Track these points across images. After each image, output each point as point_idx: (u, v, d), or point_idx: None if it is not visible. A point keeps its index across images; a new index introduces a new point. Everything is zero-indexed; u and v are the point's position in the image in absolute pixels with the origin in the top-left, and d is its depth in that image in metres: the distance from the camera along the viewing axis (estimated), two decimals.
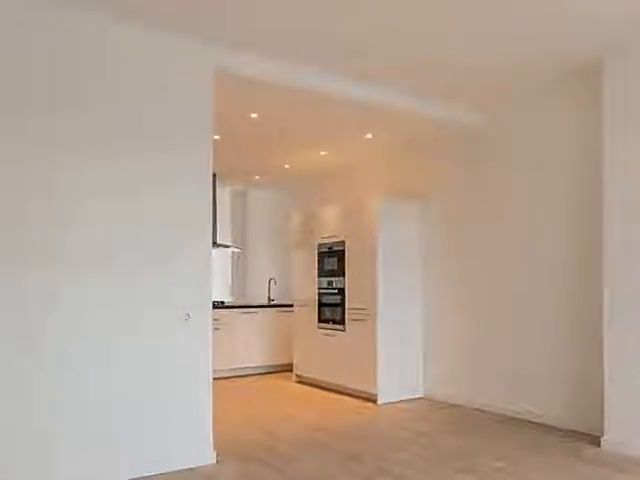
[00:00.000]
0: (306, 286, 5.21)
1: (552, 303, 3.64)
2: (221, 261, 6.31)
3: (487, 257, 4.11)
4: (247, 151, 4.96)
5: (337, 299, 4.79)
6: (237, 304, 5.98)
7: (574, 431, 3.43)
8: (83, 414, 2.45)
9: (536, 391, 3.71)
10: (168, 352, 2.71)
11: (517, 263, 3.88)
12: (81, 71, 2.53)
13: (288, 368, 5.66)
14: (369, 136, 4.51)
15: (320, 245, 5.03)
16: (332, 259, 4.87)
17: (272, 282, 6.46)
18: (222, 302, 5.89)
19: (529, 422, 3.69)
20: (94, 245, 2.51)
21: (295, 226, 5.45)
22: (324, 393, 4.76)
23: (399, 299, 4.46)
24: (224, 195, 6.30)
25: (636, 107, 2.99)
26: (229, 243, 6.29)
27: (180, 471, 2.68)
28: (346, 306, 4.67)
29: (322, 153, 5.07)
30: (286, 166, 5.55)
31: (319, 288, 5.03)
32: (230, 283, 6.53)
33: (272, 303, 6.23)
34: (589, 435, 3.30)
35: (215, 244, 5.36)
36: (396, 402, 4.33)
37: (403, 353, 4.46)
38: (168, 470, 2.65)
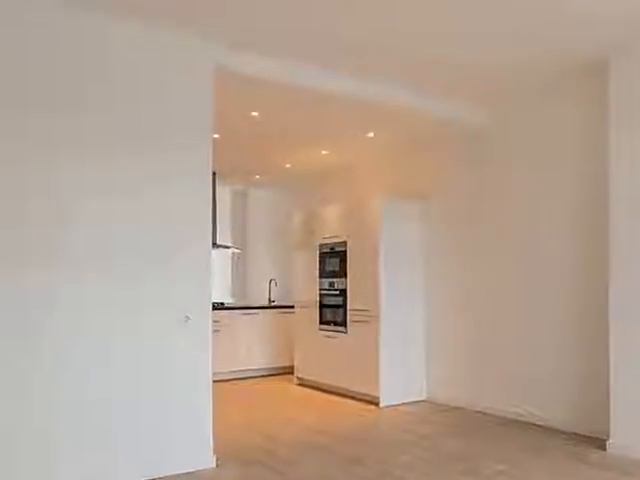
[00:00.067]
0: (307, 287, 5.24)
1: (556, 303, 3.66)
2: (221, 262, 6.34)
3: (490, 257, 4.13)
4: (247, 150, 4.99)
5: (339, 300, 4.82)
6: (237, 305, 6.02)
7: (578, 434, 3.44)
8: (83, 414, 2.49)
9: (539, 393, 3.74)
10: (168, 353, 2.74)
11: (520, 263, 3.91)
12: (81, 70, 2.56)
13: (289, 370, 5.68)
14: (371, 135, 4.55)
15: (321, 245, 5.06)
16: (333, 260, 4.90)
17: (273, 283, 6.49)
18: (222, 303, 5.92)
19: (532, 425, 3.71)
20: (94, 245, 2.55)
21: (296, 226, 5.49)
22: (325, 396, 4.78)
23: (401, 300, 4.49)
24: (224, 195, 6.32)
25: None
26: (229, 244, 6.32)
27: (179, 475, 2.70)
28: (348, 307, 4.70)
29: (323, 152, 5.11)
30: (287, 165, 5.59)
31: (320, 289, 5.06)
32: (230, 284, 6.56)
33: (273, 304, 6.26)
34: (594, 438, 3.30)
35: (215, 245, 5.39)
36: (398, 405, 4.35)
37: (405, 355, 4.49)
38: (167, 474, 2.68)
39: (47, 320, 2.42)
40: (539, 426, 3.67)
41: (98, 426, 2.52)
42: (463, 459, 2.99)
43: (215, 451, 2.86)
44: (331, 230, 4.95)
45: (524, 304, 3.87)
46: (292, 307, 5.59)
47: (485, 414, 4.05)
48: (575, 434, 3.46)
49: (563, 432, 3.51)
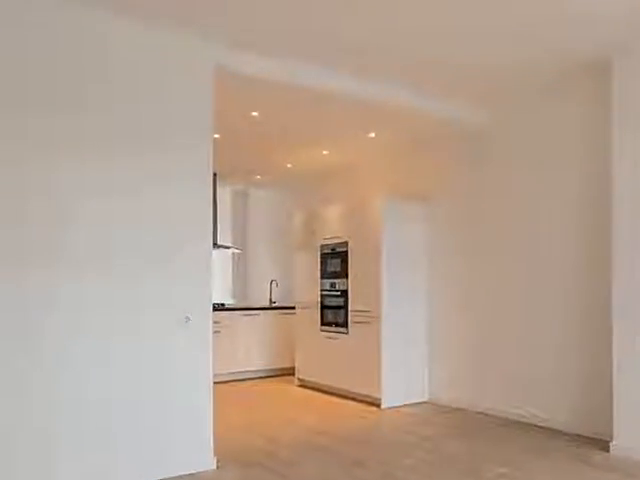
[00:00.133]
0: (308, 288, 5.26)
1: (558, 304, 3.68)
2: (221, 262, 6.37)
3: (492, 257, 4.15)
4: (248, 150, 5.02)
5: (340, 301, 4.84)
6: (238, 306, 6.04)
7: (581, 436, 3.45)
8: (83, 414, 2.52)
9: (541, 394, 3.75)
10: (168, 353, 2.76)
11: (522, 263, 3.93)
12: (81, 70, 2.59)
13: (290, 372, 5.71)
14: (372, 135, 4.57)
15: (323, 246, 5.08)
16: (335, 260, 4.93)
17: (274, 284, 6.51)
18: (222, 304, 5.95)
19: (534, 426, 3.73)
20: (94, 245, 2.58)
21: (297, 227, 5.51)
22: (327, 397, 4.81)
23: (403, 301, 4.51)
24: (225, 195, 6.35)
25: None
26: (230, 244, 6.35)
27: (180, 477, 2.72)
28: (349, 308, 4.72)
29: (324, 152, 5.13)
30: (288, 165, 5.61)
31: (322, 290, 5.09)
32: (231, 285, 6.58)
33: (274, 305, 6.28)
34: (597, 440, 3.31)
35: (215, 245, 5.42)
36: (400, 406, 4.37)
37: (407, 356, 4.50)
38: (167, 475, 2.70)
39: (47, 320, 2.45)
40: (541, 427, 3.69)
41: (98, 426, 2.55)
42: (465, 461, 3.00)
43: (215, 453, 2.87)
44: (332, 230, 4.97)
45: (526, 304, 3.89)
46: (293, 308, 5.62)
47: (487, 415, 4.07)
48: (578, 435, 3.47)
49: (566, 433, 3.53)
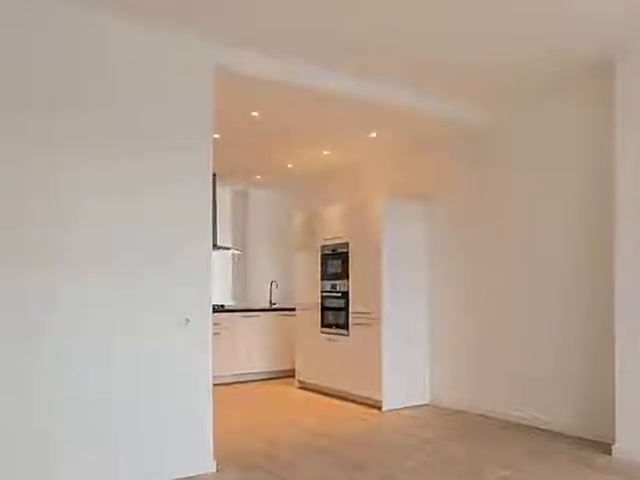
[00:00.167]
0: (309, 289, 5.28)
1: (560, 305, 3.70)
2: (221, 263, 6.39)
3: (494, 258, 4.17)
4: (248, 150, 5.05)
5: (341, 303, 4.86)
6: (238, 308, 6.06)
7: (583, 438, 3.46)
8: (83, 414, 2.54)
9: (543, 396, 3.77)
10: (168, 354, 2.78)
11: (524, 263, 3.95)
12: (81, 70, 2.62)
13: (290, 374, 5.73)
14: (373, 135, 4.59)
15: (323, 247, 5.10)
16: (335, 261, 4.95)
17: (274, 285, 6.53)
18: (222, 306, 5.97)
19: (535, 428, 3.74)
20: (94, 245, 2.60)
21: (297, 227, 5.53)
22: (327, 399, 4.82)
23: (404, 302, 4.52)
24: (224, 195, 6.37)
25: None
26: (229, 245, 6.37)
27: (179, 479, 2.74)
28: (350, 310, 4.74)
29: (325, 152, 5.16)
30: (288, 165, 5.64)
31: (322, 291, 5.11)
32: (231, 286, 6.60)
33: (274, 307, 6.30)
34: (599, 442, 3.32)
35: (215, 246, 5.44)
36: (401, 409, 4.39)
37: (408, 359, 4.52)
38: (167, 478, 2.72)
39: (47, 320, 2.48)
40: (543, 430, 3.70)
41: (98, 426, 2.57)
42: (466, 463, 3.02)
43: (215, 455, 2.89)
44: (333, 231, 4.99)
45: (528, 305, 3.91)
46: (293, 309, 5.64)
47: (488, 417, 4.09)
48: (580, 438, 3.48)
49: (567, 436, 3.54)
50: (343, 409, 4.47)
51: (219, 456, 2.92)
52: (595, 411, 3.43)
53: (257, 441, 3.48)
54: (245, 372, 5.71)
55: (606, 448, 3.17)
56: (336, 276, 4.94)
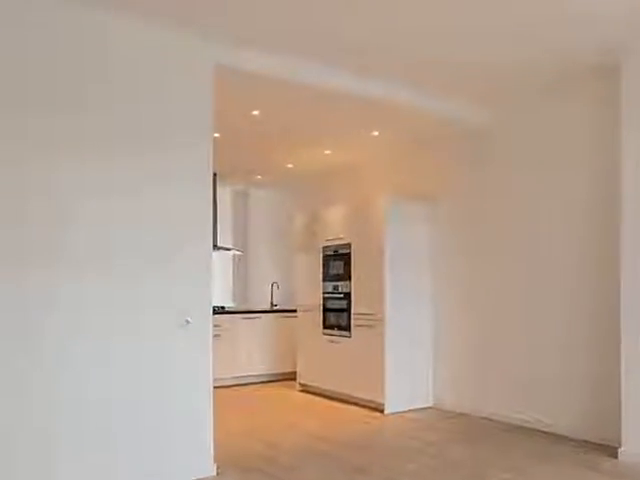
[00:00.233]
0: (310, 290, 5.32)
1: (565, 306, 3.72)
2: (222, 264, 6.42)
3: (497, 258, 4.21)
4: (249, 150, 5.09)
5: (343, 304, 4.90)
6: (238, 309, 6.10)
7: (588, 441, 3.48)
8: (83, 414, 2.58)
9: (547, 399, 3.80)
10: (168, 355, 2.82)
11: (528, 264, 3.98)
12: (81, 70, 2.66)
13: (291, 376, 5.75)
14: (375, 134, 4.63)
15: (325, 248, 5.14)
16: (337, 262, 4.98)
17: (275, 286, 6.57)
18: (222, 307, 6.00)
19: (539, 431, 3.77)
20: (94, 245, 2.64)
21: (298, 228, 5.57)
22: (329, 402, 4.86)
23: (407, 304, 4.55)
24: (225, 195, 6.40)
25: None
26: (230, 246, 6.41)
27: None
28: (352, 311, 4.78)
29: (326, 152, 5.20)
30: (289, 165, 5.68)
31: (324, 292, 5.14)
32: (231, 287, 6.64)
33: (275, 308, 6.34)
34: (605, 446, 3.33)
35: (216, 247, 5.48)
36: (404, 411, 4.42)
37: (411, 361, 4.55)
38: None
39: (47, 320, 2.52)
40: (547, 433, 3.73)
41: (98, 427, 2.61)
42: (469, 467, 3.05)
43: (215, 459, 2.92)
44: (334, 232, 5.03)
45: (532, 307, 3.94)
46: (295, 311, 5.67)
47: (491, 420, 4.12)
48: (585, 441, 3.50)
49: (572, 439, 3.56)
50: (345, 412, 4.50)
51: (219, 459, 2.95)
52: (600, 414, 3.45)
53: (258, 444, 3.51)
54: (246, 374, 5.75)
55: (612, 451, 3.19)
56: (338, 277, 4.97)
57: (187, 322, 2.84)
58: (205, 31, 2.94)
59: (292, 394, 5.29)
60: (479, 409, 4.26)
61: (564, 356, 3.71)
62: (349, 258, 4.84)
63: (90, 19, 2.69)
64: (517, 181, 4.08)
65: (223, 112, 3.42)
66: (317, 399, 5.01)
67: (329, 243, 5.08)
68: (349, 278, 4.83)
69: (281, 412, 4.51)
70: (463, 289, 4.47)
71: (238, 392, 5.37)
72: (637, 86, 3.15)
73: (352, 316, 4.77)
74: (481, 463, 3.11)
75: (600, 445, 3.39)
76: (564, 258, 3.74)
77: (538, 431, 3.77)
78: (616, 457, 3.12)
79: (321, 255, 5.19)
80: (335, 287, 5.01)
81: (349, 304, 4.82)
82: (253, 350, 5.81)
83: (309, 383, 5.30)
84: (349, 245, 4.85)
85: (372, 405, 4.52)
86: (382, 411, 4.38)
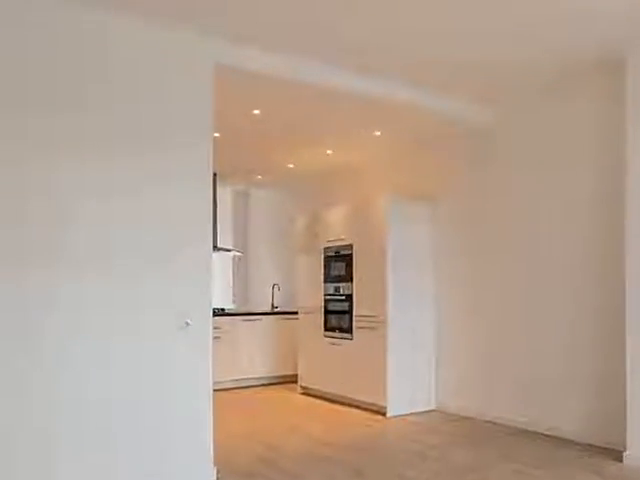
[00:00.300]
0: (311, 292, 5.35)
1: (570, 306, 3.74)
2: (222, 266, 6.46)
3: (500, 259, 4.23)
4: (249, 149, 5.13)
5: (344, 306, 4.93)
6: (239, 311, 6.14)
7: (593, 445, 3.50)
8: (83, 414, 2.62)
9: (552, 402, 3.82)
10: (167, 357, 2.85)
11: (532, 264, 4.01)
12: (81, 69, 2.70)
13: (292, 379, 5.79)
14: (377, 133, 4.66)
15: (326, 249, 5.18)
16: (339, 264, 5.02)
17: (276, 288, 6.60)
18: (223, 309, 6.04)
19: (544, 435, 3.79)
20: (94, 245, 2.68)
21: (299, 229, 5.61)
22: (330, 405, 4.89)
23: (409, 305, 4.58)
24: (225, 195, 6.44)
25: None
26: (230, 247, 6.45)
27: None
28: (354, 313, 4.81)
29: (328, 152, 5.23)
30: (290, 165, 5.72)
31: (325, 294, 5.17)
32: (231, 289, 6.68)
33: (276, 310, 6.38)
34: (610, 450, 3.35)
35: (216, 248, 5.52)
36: (406, 415, 4.44)
37: (414, 363, 4.58)
38: None
39: (47, 320, 2.56)
40: (551, 436, 3.75)
41: (98, 427, 2.64)
42: (472, 471, 3.07)
43: (215, 463, 2.94)
44: (336, 233, 5.06)
45: (536, 308, 3.96)
46: (296, 313, 5.69)
47: (495, 424, 4.15)
48: (590, 445, 3.52)
49: (577, 443, 3.58)
50: (347, 415, 4.53)
51: (219, 463, 2.97)
52: (605, 417, 3.47)
53: (258, 448, 3.54)
54: (246, 377, 5.78)
55: (617, 455, 3.21)
56: (339, 279, 5.01)
57: (187, 324, 2.87)
58: (205, 30, 2.98)
59: (293, 397, 5.31)
60: (482, 412, 4.29)
61: (568, 358, 3.73)
62: (351, 259, 4.87)
63: (90, 19, 2.72)
64: (519, 180, 4.12)
65: (223, 111, 3.45)
66: (318, 402, 5.04)
67: (330, 244, 5.11)
68: (351, 279, 4.86)
69: (282, 415, 4.54)
70: (466, 290, 4.50)
71: (238, 395, 5.40)
72: None
73: (354, 318, 4.80)
74: (485, 467, 3.13)
75: (605, 449, 3.41)
76: (568, 258, 3.76)
77: (544, 435, 3.79)
78: (621, 461, 3.13)
79: (322, 256, 5.22)
80: (337, 289, 5.04)
81: (351, 306, 4.85)
82: (254, 352, 5.84)
83: (310, 386, 5.33)
84: (350, 246, 4.88)
85: (374, 408, 4.55)
86: (384, 414, 4.40)
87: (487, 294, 4.33)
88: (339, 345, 4.97)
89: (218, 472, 2.94)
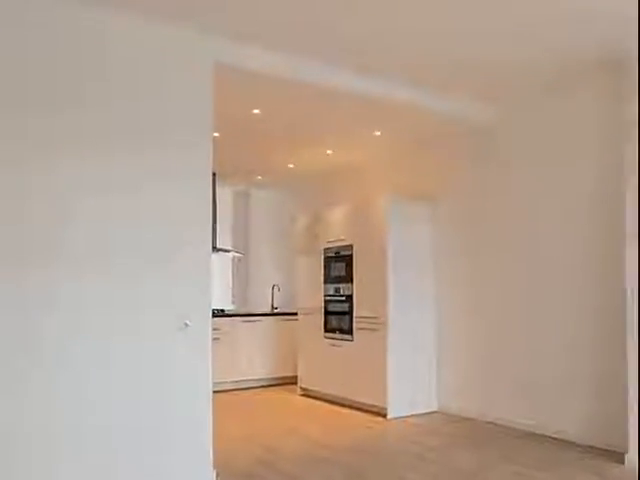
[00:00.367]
0: (311, 293, 5.37)
1: (570, 306, 3.76)
2: (222, 266, 6.49)
3: (501, 259, 4.26)
4: (249, 149, 5.16)
5: (345, 307, 4.95)
6: (238, 312, 6.17)
7: (595, 447, 3.51)
8: (83, 414, 2.65)
9: (554, 403, 3.84)
10: (167, 356, 2.87)
11: (532, 264, 4.03)
12: (80, 68, 2.72)
13: (292, 380, 5.80)
14: (377, 133, 4.70)
15: (326, 249, 5.20)
16: (339, 264, 5.04)
17: (275, 289, 6.63)
18: (222, 310, 6.06)
19: (545, 437, 3.81)
20: (94, 243, 2.71)
21: (299, 229, 5.64)
22: (330, 407, 4.91)
23: (410, 306, 4.60)
24: (225, 195, 6.45)
25: None
26: (230, 247, 6.48)
27: None
28: (354, 314, 4.83)
29: (328, 152, 5.26)
30: (290, 165, 5.75)
31: (325, 295, 5.20)
32: (231, 290, 6.71)
33: (275, 311, 6.40)
34: (612, 452, 3.36)
35: (215, 249, 5.54)
36: (407, 416, 4.46)
37: (415, 364, 4.60)
38: None
39: (47, 320, 2.59)
40: (553, 438, 3.77)
41: (98, 427, 2.67)
42: (473, 473, 3.09)
43: (214, 465, 2.95)
44: (336, 233, 5.09)
45: (537, 309, 3.98)
46: (296, 314, 5.71)
47: (497, 425, 4.17)
48: (591, 447, 3.54)
49: (578, 445, 3.60)
50: (347, 417, 4.55)
51: (218, 465, 2.98)
52: (607, 419, 3.49)
53: (258, 449, 3.56)
54: (246, 379, 5.80)
55: (618, 457, 3.22)
56: (340, 279, 5.03)
57: (186, 325, 2.88)
58: (205, 29, 3.00)
59: (293, 398, 5.34)
60: (484, 413, 4.31)
61: (569, 358, 3.75)
62: (351, 260, 4.89)
63: (88, 17, 2.74)
64: (520, 180, 4.14)
65: (223, 111, 3.46)
66: (318, 403, 5.06)
67: (330, 245, 5.14)
68: (351, 280, 4.89)
69: (282, 417, 4.56)
70: (466, 290, 4.53)
71: (238, 396, 5.42)
72: None
73: (354, 319, 4.82)
74: (485, 469, 3.15)
75: (606, 451, 3.43)
76: (568, 258, 3.79)
77: (545, 436, 3.81)
78: (623, 463, 3.15)
79: (322, 257, 5.25)
80: (337, 289, 5.07)
81: (351, 307, 4.87)
82: (253, 354, 5.87)
83: (310, 387, 5.35)
84: (351, 246, 4.91)
85: (374, 410, 4.57)
86: (385, 416, 4.42)
87: (487, 294, 4.35)
88: (339, 346, 4.99)
89: (217, 475, 2.95)
